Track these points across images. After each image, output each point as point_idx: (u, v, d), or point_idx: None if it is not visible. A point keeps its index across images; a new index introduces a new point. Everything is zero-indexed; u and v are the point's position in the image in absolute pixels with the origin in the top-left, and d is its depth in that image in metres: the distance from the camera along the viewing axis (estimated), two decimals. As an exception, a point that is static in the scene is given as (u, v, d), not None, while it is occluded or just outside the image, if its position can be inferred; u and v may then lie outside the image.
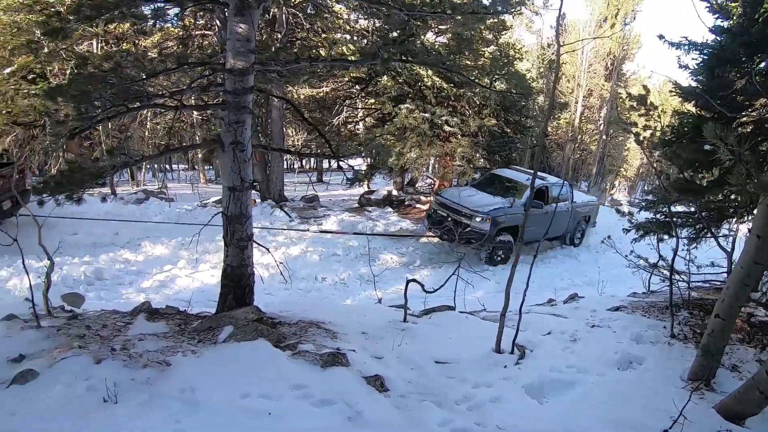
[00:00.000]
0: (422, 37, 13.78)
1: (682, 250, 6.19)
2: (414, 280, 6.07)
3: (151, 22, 7.88)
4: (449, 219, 12.17)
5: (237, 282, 5.38)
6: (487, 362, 4.91)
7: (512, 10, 6.68)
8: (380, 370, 4.28)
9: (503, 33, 15.80)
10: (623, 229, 7.68)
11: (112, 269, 9.95)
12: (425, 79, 14.53)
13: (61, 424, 3.23)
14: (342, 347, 4.51)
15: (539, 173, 13.83)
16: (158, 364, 3.91)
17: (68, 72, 17.22)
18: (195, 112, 16.35)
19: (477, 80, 7.74)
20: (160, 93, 5.15)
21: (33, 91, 17.92)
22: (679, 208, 7.30)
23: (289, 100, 5.76)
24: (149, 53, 12.18)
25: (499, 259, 12.17)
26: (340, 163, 6.02)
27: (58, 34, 5.14)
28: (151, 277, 9.63)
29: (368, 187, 18.85)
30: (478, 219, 11.89)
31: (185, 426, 3.27)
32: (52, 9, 15.80)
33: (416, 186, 19.75)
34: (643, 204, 7.38)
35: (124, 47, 15.89)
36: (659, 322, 5.86)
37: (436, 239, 12.84)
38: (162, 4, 5.66)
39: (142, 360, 3.97)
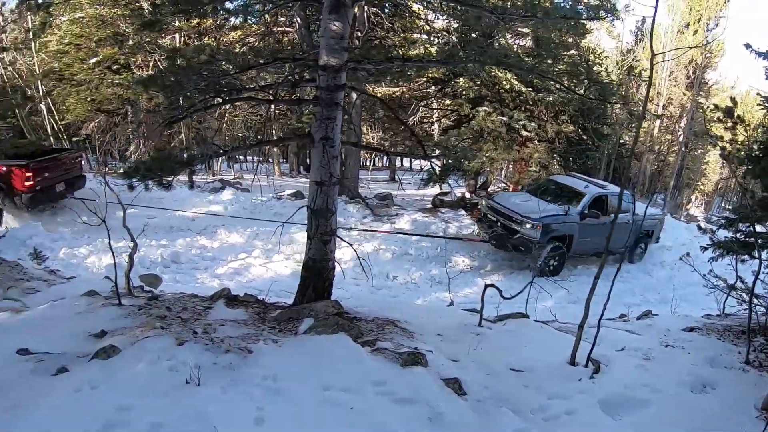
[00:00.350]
0: (501, 38, 13.65)
1: (764, 272, 5.85)
2: (492, 285, 5.98)
3: (240, 18, 8.06)
4: (498, 224, 11.94)
5: (318, 275, 5.43)
6: (561, 374, 4.80)
7: (607, 16, 6.49)
8: (457, 372, 4.23)
9: (584, 37, 15.44)
10: (701, 246, 7.28)
11: (188, 254, 10.34)
12: (504, 82, 14.32)
13: (143, 401, 3.32)
14: (419, 347, 4.48)
15: (599, 182, 13.52)
16: (240, 351, 3.98)
17: (151, 63, 17.97)
18: (272, 106, 16.69)
19: (559, 82, 7.53)
20: (250, 86, 5.27)
21: (117, 81, 18.82)
22: (763, 229, 6.93)
23: (381, 99, 5.77)
24: (236, 48, 12.49)
25: (550, 269, 11.65)
26: (432, 162, 5.96)
27: (154, 27, 5.34)
28: (226, 264, 9.94)
29: (441, 188, 18.77)
30: (528, 225, 11.55)
31: (267, 413, 3.30)
32: (136, 3, 16.58)
33: (489, 190, 19.52)
34: (723, 221, 6.99)
35: (205, 41, 16.41)
36: (734, 347, 5.62)
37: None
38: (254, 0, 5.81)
39: (224, 345, 4.06)
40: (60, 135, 21.55)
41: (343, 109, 5.22)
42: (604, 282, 4.75)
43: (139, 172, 4.55)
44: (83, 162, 10.71)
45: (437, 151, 6.67)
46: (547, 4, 5.77)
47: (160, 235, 11.10)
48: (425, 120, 18.07)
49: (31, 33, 16.44)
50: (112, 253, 5.38)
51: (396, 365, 4.01)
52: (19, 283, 7.18)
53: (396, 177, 25.47)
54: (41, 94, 19.67)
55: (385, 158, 26.53)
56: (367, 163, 29.20)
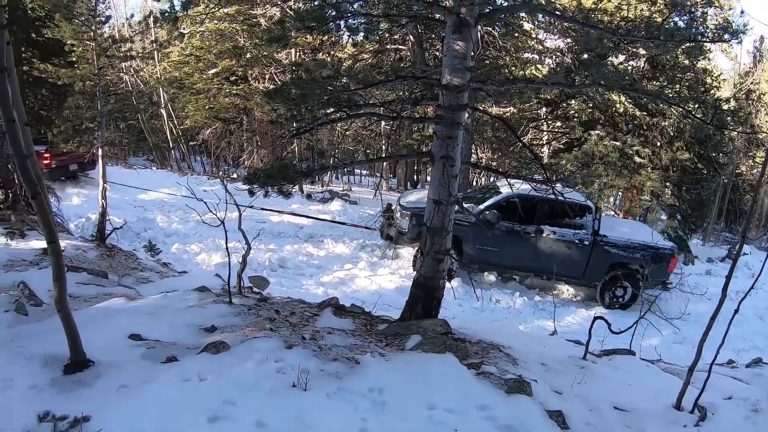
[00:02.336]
0: (615, 59, 13.23)
1: None
2: (601, 318, 5.79)
3: (361, 35, 8.28)
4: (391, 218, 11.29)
5: (428, 293, 5.45)
6: (666, 417, 4.55)
7: (731, 39, 6.18)
8: (561, 405, 4.11)
9: (700, 58, 14.61)
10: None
11: (295, 259, 10.67)
12: (617, 105, 13.83)
13: (249, 399, 3.43)
14: (524, 375, 4.40)
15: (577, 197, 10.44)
16: (347, 360, 4.05)
17: (267, 76, 18.77)
18: (383, 122, 17.09)
19: (683, 107, 7.20)
20: (369, 102, 5.38)
21: (234, 91, 19.81)
22: None
23: (504, 120, 5.71)
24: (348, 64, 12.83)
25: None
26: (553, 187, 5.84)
27: (280, 42, 5.58)
28: (332, 273, 10.16)
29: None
30: (398, 214, 10.91)
31: (371, 425, 3.33)
32: (254, 20, 17.39)
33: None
34: None
35: (318, 57, 16.97)
36: None
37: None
38: (375, 18, 5.93)
39: (332, 353, 4.15)
40: (178, 139, 22.86)
41: (464, 128, 5.23)
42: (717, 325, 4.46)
43: (259, 179, 4.75)
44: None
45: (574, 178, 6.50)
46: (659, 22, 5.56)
47: (269, 240, 11.53)
48: (535, 142, 17.75)
49: (156, 44, 17.60)
50: (228, 253, 5.61)
51: (501, 391, 3.95)
52: (133, 272, 7.65)
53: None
54: (163, 100, 20.98)
55: (492, 179, 26.23)
56: (473, 183, 29.11)
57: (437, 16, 5.76)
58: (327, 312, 5.43)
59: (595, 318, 5.67)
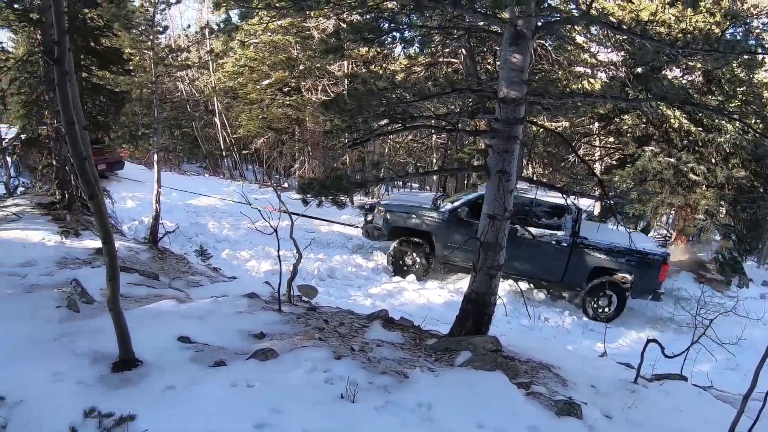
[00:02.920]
0: (668, 72, 12.87)
1: None
2: (654, 341, 5.61)
3: (415, 47, 8.30)
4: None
5: (479, 309, 5.36)
6: (718, 448, 4.38)
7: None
8: (611, 429, 3.99)
9: (758, 71, 14.05)
10: None
11: (344, 270, 10.68)
12: (672, 120, 13.43)
13: (297, 408, 3.42)
14: (574, 397, 4.28)
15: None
16: (396, 374, 4.01)
17: (320, 88, 19.01)
18: (434, 135, 17.06)
19: (746, 123, 6.95)
20: (424, 114, 5.37)
21: (287, 102, 20.12)
22: None
23: (560, 134, 5.64)
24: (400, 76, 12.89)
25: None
26: (610, 203, 5.76)
27: (336, 53, 5.63)
28: (380, 285, 10.12)
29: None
30: (375, 211, 10.92)
31: (419, 441, 3.28)
32: (307, 32, 17.67)
33: (648, 236, 18.34)
34: None
35: (371, 69, 17.10)
36: None
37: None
38: (430, 30, 5.93)
39: (381, 366, 4.11)
40: (231, 147, 23.32)
41: (520, 142, 5.16)
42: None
43: (314, 188, 4.78)
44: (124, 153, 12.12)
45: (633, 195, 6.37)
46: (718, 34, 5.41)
47: (318, 250, 11.60)
48: (587, 158, 17.41)
49: (212, 54, 18.02)
50: (279, 261, 5.68)
51: (551, 413, 3.84)
52: (184, 275, 7.79)
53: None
54: (217, 109, 21.46)
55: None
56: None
57: (493, 28, 5.71)
58: (376, 324, 5.38)
59: (648, 340, 5.50)
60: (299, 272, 9.98)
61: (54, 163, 9.74)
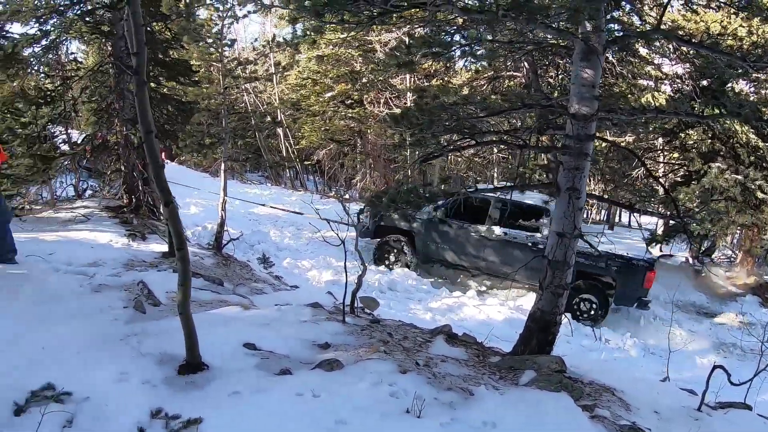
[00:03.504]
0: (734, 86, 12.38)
1: None
2: (721, 367, 5.40)
3: (483, 62, 8.27)
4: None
5: (544, 328, 5.25)
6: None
7: None
8: (674, 458, 3.87)
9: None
10: None
11: (404, 283, 10.62)
12: (740, 135, 12.92)
13: (362, 420, 3.42)
14: (638, 422, 4.16)
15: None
16: (461, 390, 3.96)
17: (382, 101, 19.18)
18: (495, 150, 16.99)
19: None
20: (493, 130, 5.33)
21: (349, 115, 20.37)
22: None
23: (632, 151, 5.45)
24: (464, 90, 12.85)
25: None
26: (684, 222, 5.59)
27: (407, 67, 5.67)
28: (440, 299, 10.06)
29: (661, 251, 17.39)
30: (360, 209, 11.23)
31: (484, 460, 3.23)
32: (369, 45, 17.85)
33: (712, 257, 17.68)
34: None
35: (432, 83, 17.13)
36: None
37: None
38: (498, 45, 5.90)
39: (446, 382, 4.08)
40: (294, 158, 23.74)
41: (591, 159, 5.07)
42: None
43: (381, 202, 4.81)
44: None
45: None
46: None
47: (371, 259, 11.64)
48: (652, 173, 16.92)
49: (279, 66, 18.38)
50: (346, 272, 5.73)
51: (615, 437, 3.76)
52: (247, 282, 7.92)
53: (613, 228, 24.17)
54: (281, 120, 21.89)
55: (603, 212, 25.25)
56: (587, 215, 28.22)
57: (561, 42, 5.66)
58: (439, 339, 5.31)
59: (715, 367, 5.30)
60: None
61: (122, 168, 10.14)
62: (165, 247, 8.11)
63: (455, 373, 4.37)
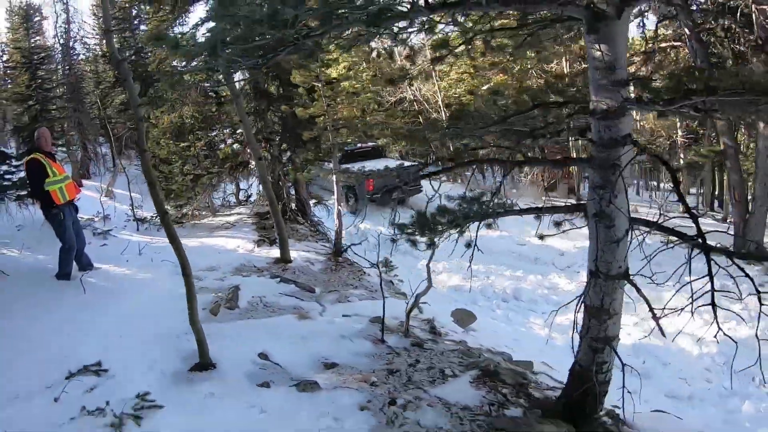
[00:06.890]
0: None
1: None
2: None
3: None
4: None
5: (581, 385, 3.92)
6: None
7: None
8: None
9: None
10: None
11: (534, 292, 10.31)
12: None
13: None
14: None
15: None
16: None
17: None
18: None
19: None
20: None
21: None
22: None
23: (666, 162, 3.52)
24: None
25: None
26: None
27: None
28: (570, 312, 9.05)
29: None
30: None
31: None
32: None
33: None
34: None
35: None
36: None
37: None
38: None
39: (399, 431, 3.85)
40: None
41: (621, 174, 3.54)
42: None
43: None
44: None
45: None
46: None
47: (518, 265, 11.32)
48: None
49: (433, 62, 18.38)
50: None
51: None
52: (344, 288, 8.09)
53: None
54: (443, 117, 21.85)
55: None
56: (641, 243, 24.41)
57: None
58: (466, 377, 4.55)
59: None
60: (484, 290, 9.59)
61: (270, 179, 10.87)
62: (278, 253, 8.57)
63: (427, 423, 3.81)
